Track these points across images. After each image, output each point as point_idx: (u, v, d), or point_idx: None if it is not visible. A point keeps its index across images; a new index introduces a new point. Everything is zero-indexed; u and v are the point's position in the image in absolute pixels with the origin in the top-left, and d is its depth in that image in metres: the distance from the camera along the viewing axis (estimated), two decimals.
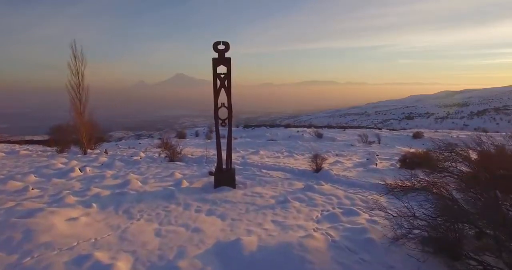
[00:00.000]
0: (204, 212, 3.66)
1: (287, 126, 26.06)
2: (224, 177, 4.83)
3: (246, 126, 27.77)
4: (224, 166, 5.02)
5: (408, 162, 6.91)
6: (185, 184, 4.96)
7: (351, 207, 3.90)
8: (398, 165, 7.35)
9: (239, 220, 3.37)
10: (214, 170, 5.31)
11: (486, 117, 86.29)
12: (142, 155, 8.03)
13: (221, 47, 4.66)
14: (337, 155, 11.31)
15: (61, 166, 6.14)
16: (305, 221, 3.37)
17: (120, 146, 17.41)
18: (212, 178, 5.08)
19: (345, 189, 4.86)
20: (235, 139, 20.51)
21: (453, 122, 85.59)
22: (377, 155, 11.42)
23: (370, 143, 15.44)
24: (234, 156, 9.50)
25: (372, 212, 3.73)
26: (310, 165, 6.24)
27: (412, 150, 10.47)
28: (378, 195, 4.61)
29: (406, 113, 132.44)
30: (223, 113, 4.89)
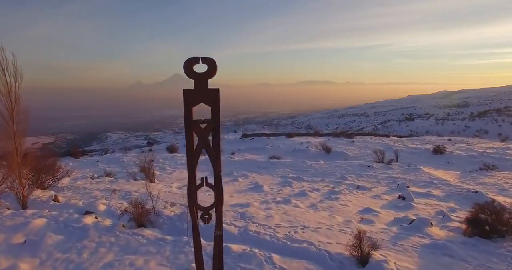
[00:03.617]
0: None
1: (289, 136, 23.83)
2: None
3: (245, 135, 25.52)
4: None
5: (486, 230, 4.68)
6: None
7: None
8: (462, 227, 5.13)
9: None
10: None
11: (488, 119, 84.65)
12: (102, 207, 5.75)
13: (200, 68, 2.39)
14: (358, 187, 9.10)
15: None
16: None
17: (99, 165, 15.11)
18: None
19: None
20: (233, 153, 18.26)
21: (454, 124, 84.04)
22: (407, 187, 9.25)
23: (388, 162, 13.24)
24: (230, 192, 7.15)
25: None
26: (347, 244, 4.00)
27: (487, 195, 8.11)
28: None
29: (405, 114, 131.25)
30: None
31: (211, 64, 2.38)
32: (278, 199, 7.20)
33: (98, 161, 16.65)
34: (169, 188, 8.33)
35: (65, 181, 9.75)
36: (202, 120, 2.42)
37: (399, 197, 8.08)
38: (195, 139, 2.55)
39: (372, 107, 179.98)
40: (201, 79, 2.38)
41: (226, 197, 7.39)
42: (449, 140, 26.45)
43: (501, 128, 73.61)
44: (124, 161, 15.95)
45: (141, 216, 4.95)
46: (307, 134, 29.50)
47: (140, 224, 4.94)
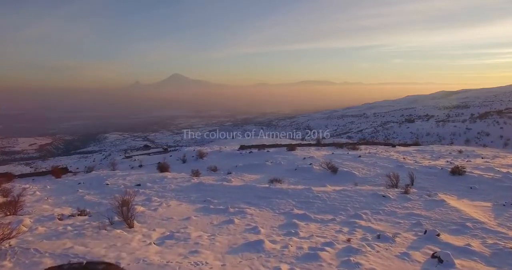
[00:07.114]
0: None
1: (290, 148, 22.23)
2: None
3: (243, 147, 23.91)
4: None
5: None
6: None
7: None
8: None
9: None
10: None
11: (489, 121, 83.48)
12: None
13: None
14: (379, 237, 7.47)
15: None
16: None
17: (79, 191, 13.46)
18: None
19: None
20: (229, 173, 16.65)
21: (455, 126, 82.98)
22: (438, 235, 7.66)
23: (405, 190, 11.61)
24: (221, 250, 5.19)
25: None
26: None
27: None
28: None
29: (405, 115, 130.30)
30: None
31: None
32: (283, 269, 5.57)
33: (79, 184, 14.98)
34: (147, 244, 6.61)
35: (26, 222, 8.14)
36: None
37: (433, 256, 6.47)
38: None
39: (371, 108, 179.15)
40: None
41: (216, 265, 5.73)
42: (460, 151, 24.90)
43: (503, 130, 72.39)
44: (108, 184, 14.30)
45: None
46: (309, 144, 27.92)
47: None
